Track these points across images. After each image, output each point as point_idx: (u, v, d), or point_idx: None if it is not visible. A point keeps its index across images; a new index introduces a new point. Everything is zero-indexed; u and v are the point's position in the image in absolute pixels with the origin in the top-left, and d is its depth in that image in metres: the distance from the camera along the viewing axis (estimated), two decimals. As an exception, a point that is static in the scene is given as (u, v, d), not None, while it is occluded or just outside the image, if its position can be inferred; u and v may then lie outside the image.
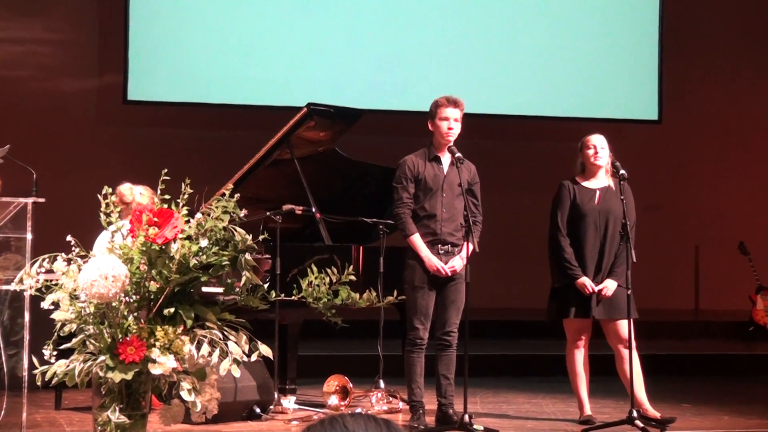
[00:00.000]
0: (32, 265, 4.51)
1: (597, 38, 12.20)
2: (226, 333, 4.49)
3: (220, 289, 4.71)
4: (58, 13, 11.53)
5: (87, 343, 4.45)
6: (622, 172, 6.65)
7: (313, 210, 7.36)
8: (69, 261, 4.47)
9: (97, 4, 11.65)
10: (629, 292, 6.58)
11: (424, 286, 6.56)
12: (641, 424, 6.38)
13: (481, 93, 11.58)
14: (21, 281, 4.54)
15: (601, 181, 6.85)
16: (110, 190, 4.61)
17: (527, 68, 12.02)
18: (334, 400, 7.08)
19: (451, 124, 6.61)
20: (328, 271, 4.72)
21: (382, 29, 11.73)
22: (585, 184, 6.85)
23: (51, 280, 4.52)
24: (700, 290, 12.99)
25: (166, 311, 4.43)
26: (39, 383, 4.54)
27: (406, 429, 6.50)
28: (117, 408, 4.40)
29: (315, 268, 4.74)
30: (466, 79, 11.65)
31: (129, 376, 4.34)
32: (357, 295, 4.80)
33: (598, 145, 6.82)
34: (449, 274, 6.54)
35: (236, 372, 4.47)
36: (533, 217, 12.04)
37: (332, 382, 7.14)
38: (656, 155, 12.69)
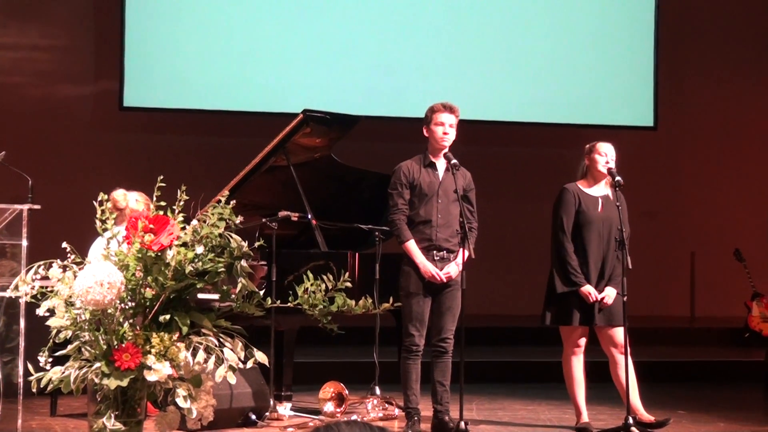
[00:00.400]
0: (28, 271, 4.51)
1: (593, 45, 12.21)
2: (221, 340, 4.49)
3: (216, 296, 4.70)
4: (54, 19, 11.53)
5: (82, 349, 4.44)
6: (618, 179, 6.66)
7: (309, 216, 7.36)
8: (64, 268, 4.47)
9: (93, 10, 11.65)
10: (625, 299, 6.59)
11: (419, 293, 6.56)
12: (637, 431, 6.38)
13: (476, 99, 11.59)
14: (16, 288, 4.54)
15: (602, 188, 6.83)
16: (106, 196, 4.61)
17: (523, 75, 12.04)
18: (329, 406, 7.08)
19: (446, 130, 6.61)
20: (324, 277, 4.72)
21: (378, 35, 11.74)
22: (588, 191, 6.83)
23: (46, 287, 4.51)
24: (695, 297, 13.00)
25: (161, 318, 4.43)
26: (34, 390, 4.53)
27: (402, 436, 6.50)
28: (112, 415, 4.39)
29: (311, 275, 4.74)
30: (461, 85, 11.66)
31: (124, 382, 4.33)
32: (353, 302, 4.80)
33: (610, 154, 6.80)
34: (444, 280, 6.54)
35: (232, 379, 4.47)
36: (528, 222, 12.10)
37: (328, 389, 7.13)
38: (652, 162, 12.70)
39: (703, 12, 13.08)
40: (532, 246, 11.90)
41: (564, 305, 6.72)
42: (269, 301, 4.71)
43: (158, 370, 4.33)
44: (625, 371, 6.59)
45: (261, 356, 4.57)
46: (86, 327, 4.43)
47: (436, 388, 6.59)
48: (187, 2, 11.41)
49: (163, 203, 4.52)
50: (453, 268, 6.56)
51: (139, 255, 4.43)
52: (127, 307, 4.46)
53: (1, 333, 5.90)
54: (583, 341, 6.81)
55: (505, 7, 12.07)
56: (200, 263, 4.48)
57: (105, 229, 4.54)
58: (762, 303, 11.19)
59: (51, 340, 4.46)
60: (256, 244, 4.82)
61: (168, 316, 4.43)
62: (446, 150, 6.63)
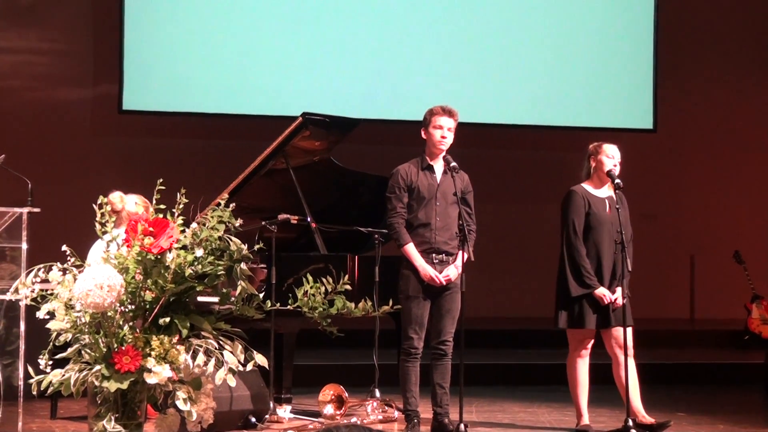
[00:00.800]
0: (27, 274, 4.51)
1: (592, 47, 12.21)
2: (221, 342, 4.49)
3: (216, 299, 4.71)
4: (54, 22, 11.53)
5: (82, 352, 4.45)
6: (617, 181, 6.66)
7: (309, 219, 7.37)
8: (64, 271, 4.48)
9: (92, 14, 11.65)
10: (625, 300, 6.60)
11: (418, 296, 6.56)
12: (637, 434, 6.40)
13: (476, 102, 11.59)
14: (16, 291, 4.54)
15: (606, 190, 6.83)
16: (105, 199, 4.62)
17: (522, 78, 12.03)
18: (329, 409, 7.08)
19: (444, 133, 6.61)
20: (324, 280, 4.73)
21: (378, 39, 11.74)
22: (595, 192, 6.82)
23: (46, 290, 4.52)
24: (695, 299, 13.01)
25: (161, 321, 4.44)
26: (34, 393, 4.53)
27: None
28: (112, 417, 4.40)
29: (310, 278, 4.74)
30: (461, 88, 11.65)
31: (124, 385, 4.34)
32: (352, 305, 4.81)
33: (617, 156, 6.80)
34: (444, 283, 6.54)
35: (232, 381, 4.47)
36: (527, 225, 12.12)
37: (328, 392, 7.14)
38: (651, 164, 12.70)
39: (703, 15, 13.08)
40: (532, 249, 11.95)
41: (578, 308, 6.70)
42: (269, 304, 4.71)
43: (158, 373, 4.33)
44: (625, 372, 6.59)
45: (261, 359, 4.57)
46: (86, 330, 4.43)
47: (435, 390, 6.59)
48: (185, 6, 11.41)
49: (162, 206, 4.52)
50: (452, 271, 6.56)
51: (139, 258, 4.43)
52: (126, 309, 4.46)
53: (1, 336, 5.90)
54: (590, 344, 6.80)
55: (504, 10, 12.06)
56: (200, 266, 4.48)
57: (104, 232, 4.55)
58: (762, 305, 11.19)
59: (51, 343, 4.47)
60: (256, 247, 4.82)
61: (168, 319, 4.44)
62: (444, 153, 6.63)
